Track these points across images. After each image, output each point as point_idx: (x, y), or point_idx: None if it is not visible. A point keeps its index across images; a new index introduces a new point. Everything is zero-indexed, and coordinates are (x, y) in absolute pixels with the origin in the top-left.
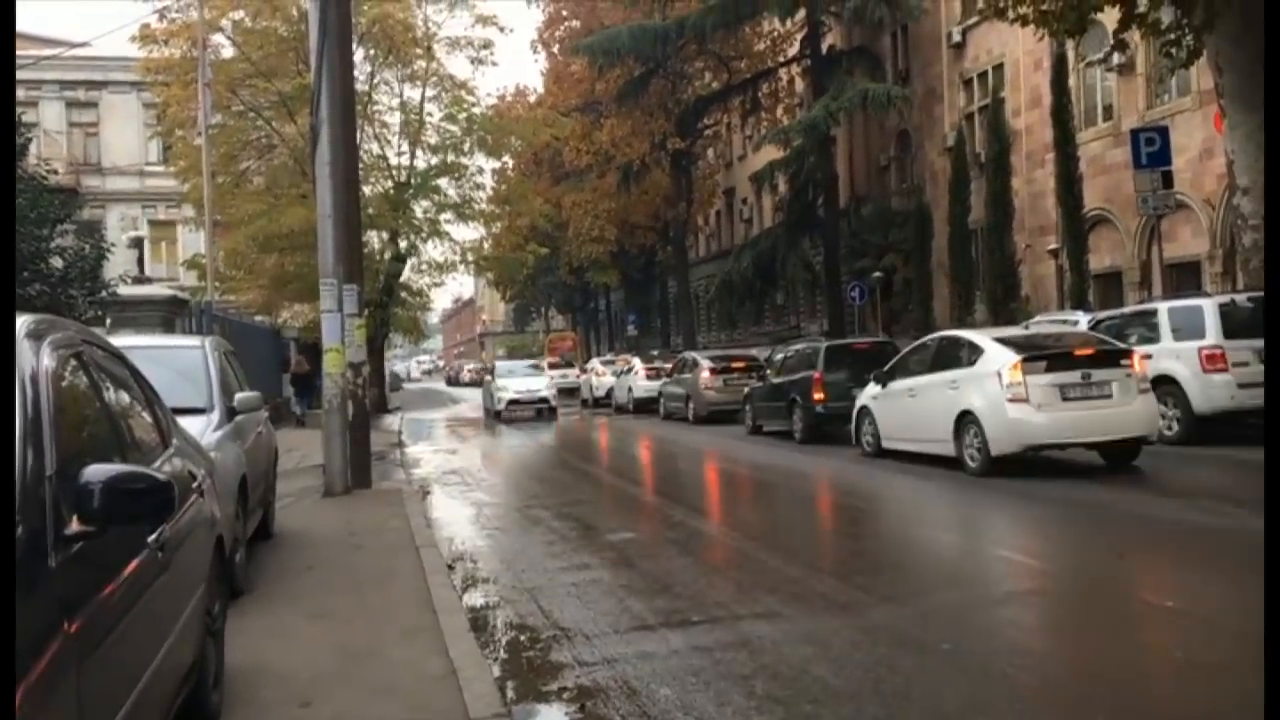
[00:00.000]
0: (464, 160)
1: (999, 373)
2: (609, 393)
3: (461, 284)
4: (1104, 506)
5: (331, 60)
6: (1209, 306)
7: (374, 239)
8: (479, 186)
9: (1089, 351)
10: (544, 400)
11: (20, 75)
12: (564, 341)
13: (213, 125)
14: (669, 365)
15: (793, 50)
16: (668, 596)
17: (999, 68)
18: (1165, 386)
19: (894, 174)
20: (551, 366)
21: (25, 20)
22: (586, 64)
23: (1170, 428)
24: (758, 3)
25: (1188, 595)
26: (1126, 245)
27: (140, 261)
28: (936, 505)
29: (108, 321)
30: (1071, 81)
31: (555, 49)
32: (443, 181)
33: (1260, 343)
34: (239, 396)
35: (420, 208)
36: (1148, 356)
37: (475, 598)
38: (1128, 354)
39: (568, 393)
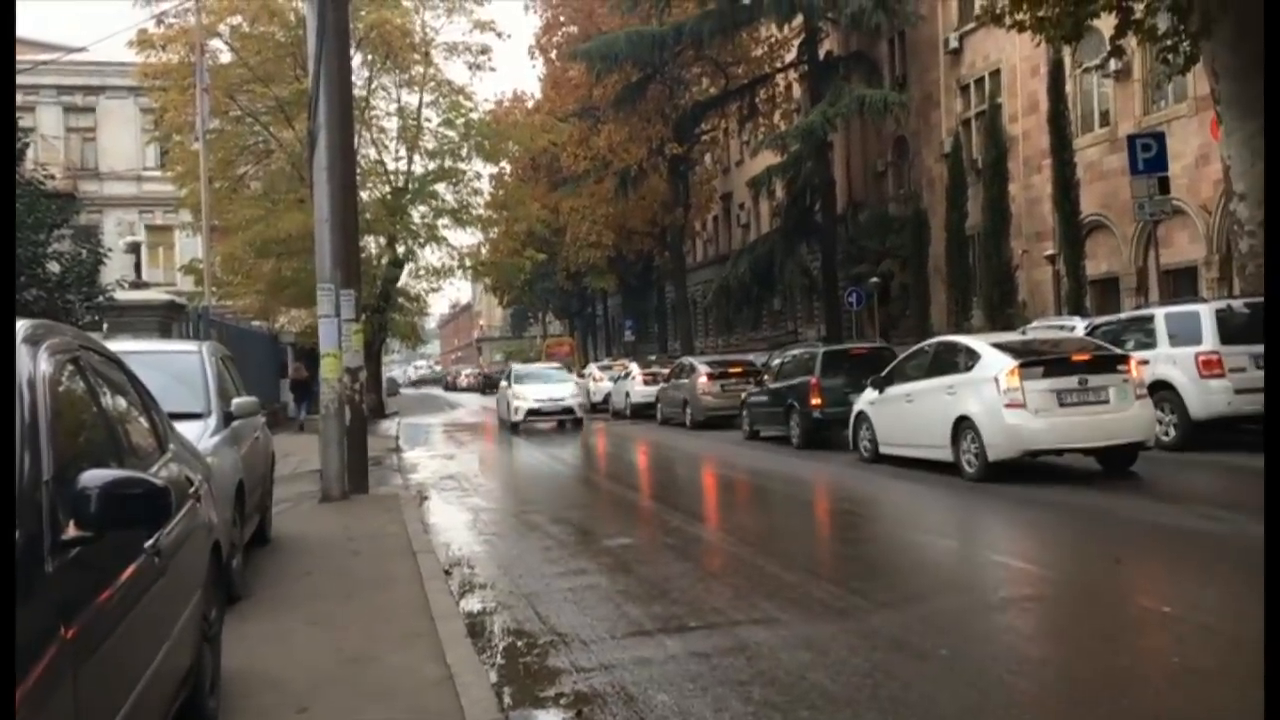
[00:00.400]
0: (461, 165)
1: (996, 378)
2: (606, 398)
3: (459, 289)
4: (1101, 512)
5: (329, 65)
6: (1206, 312)
7: (371, 244)
8: (476, 192)
9: (1086, 357)
10: (569, 410)
11: (18, 80)
12: (561, 347)
13: (210, 130)
14: (666, 370)
15: (790, 56)
16: (665, 602)
17: (996, 74)
18: (1162, 392)
19: (891, 180)
20: None
21: (24, 22)
22: (584, 69)
23: (1167, 433)
24: (755, 8)
25: (1184, 601)
26: (1123, 251)
27: (137, 267)
28: (934, 510)
29: (105, 326)
30: (1068, 87)
31: (553, 54)
32: (440, 187)
33: (1257, 348)
34: (236, 402)
35: (418, 213)
36: (1145, 362)
37: (472, 603)
38: (1125, 360)
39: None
